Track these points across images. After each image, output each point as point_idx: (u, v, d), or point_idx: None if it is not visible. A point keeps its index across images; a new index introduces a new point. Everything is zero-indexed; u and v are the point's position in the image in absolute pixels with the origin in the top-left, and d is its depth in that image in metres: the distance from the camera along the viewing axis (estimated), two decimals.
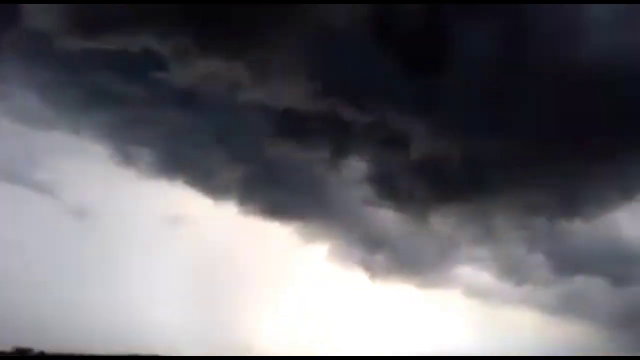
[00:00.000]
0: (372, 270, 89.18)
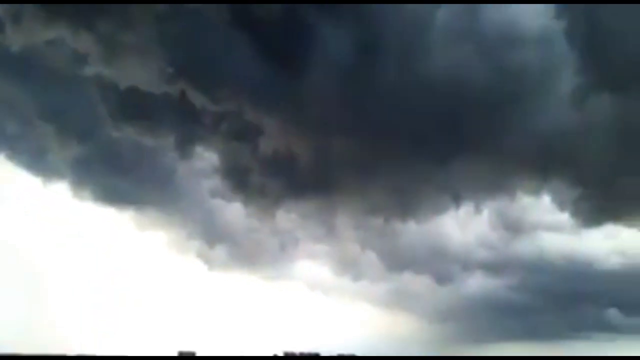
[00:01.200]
0: (211, 262, 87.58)
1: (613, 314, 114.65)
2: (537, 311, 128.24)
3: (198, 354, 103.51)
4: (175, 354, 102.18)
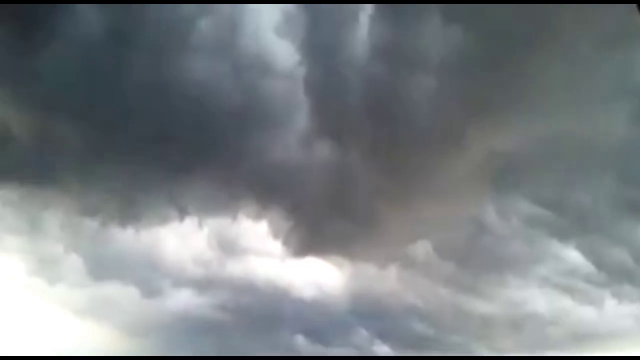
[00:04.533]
0: None
1: (300, 339, 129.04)
2: (237, 330, 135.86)
3: None
4: None
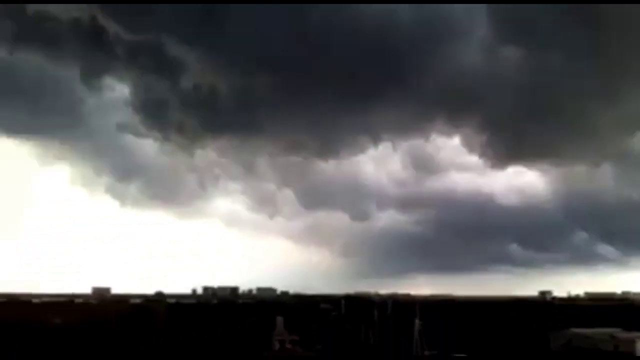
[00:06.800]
0: (122, 198, 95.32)
1: (514, 248, 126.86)
2: (443, 245, 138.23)
3: (113, 291, 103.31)
4: (89, 291, 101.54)
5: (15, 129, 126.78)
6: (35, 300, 58.71)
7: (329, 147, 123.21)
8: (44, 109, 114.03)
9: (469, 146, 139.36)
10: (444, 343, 22.95)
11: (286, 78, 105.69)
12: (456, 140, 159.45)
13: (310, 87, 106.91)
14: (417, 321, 22.99)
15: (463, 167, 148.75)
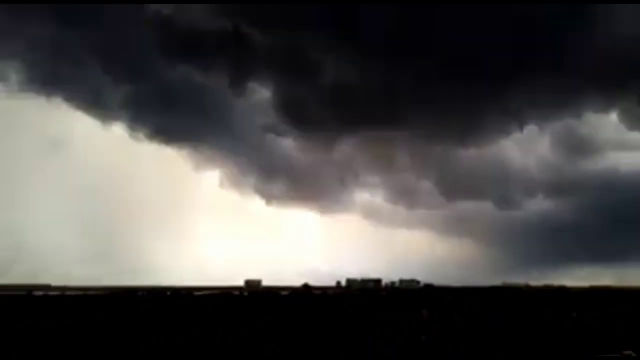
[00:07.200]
0: (268, 196, 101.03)
1: None
2: (601, 231, 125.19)
3: (264, 283, 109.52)
4: (241, 283, 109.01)
5: (174, 137, 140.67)
6: (196, 293, 64.39)
7: (469, 134, 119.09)
8: (197, 117, 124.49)
9: (629, 122, 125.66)
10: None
11: (422, 68, 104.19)
12: (613, 117, 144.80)
13: (446, 74, 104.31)
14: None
15: (623, 146, 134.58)
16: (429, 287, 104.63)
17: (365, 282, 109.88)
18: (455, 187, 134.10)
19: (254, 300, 45.41)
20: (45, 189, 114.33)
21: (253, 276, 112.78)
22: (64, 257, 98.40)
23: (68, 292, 65.45)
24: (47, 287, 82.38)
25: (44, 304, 36.35)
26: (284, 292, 68.94)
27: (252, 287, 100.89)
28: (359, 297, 53.59)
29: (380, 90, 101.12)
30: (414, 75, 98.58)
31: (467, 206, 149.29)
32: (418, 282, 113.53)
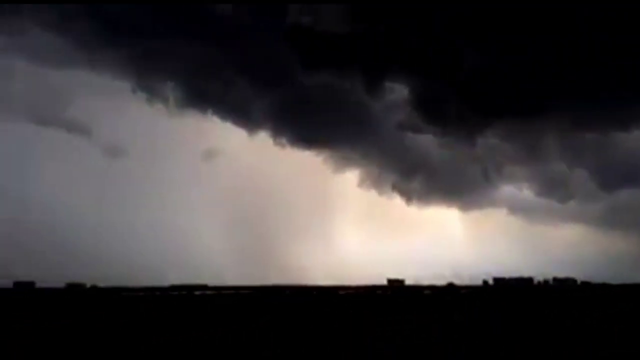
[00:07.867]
0: (408, 194, 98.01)
1: None
2: None
3: (407, 283, 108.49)
4: (384, 282, 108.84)
5: (313, 141, 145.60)
6: (341, 292, 65.73)
7: (631, 116, 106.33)
8: (335, 121, 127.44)
9: None
10: None
11: (563, 45, 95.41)
12: None
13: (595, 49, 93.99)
14: None
15: None
16: (586, 285, 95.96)
17: (514, 280, 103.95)
18: (614, 175, 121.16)
19: (397, 300, 45.12)
20: (200, 195, 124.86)
21: (395, 275, 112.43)
22: (218, 257, 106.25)
23: (224, 292, 70.77)
24: (204, 287, 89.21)
25: (203, 303, 39.62)
26: (426, 292, 67.62)
27: (395, 287, 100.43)
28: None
29: (523, 77, 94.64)
30: (556, 56, 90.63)
31: (628, 196, 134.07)
32: (575, 280, 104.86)
